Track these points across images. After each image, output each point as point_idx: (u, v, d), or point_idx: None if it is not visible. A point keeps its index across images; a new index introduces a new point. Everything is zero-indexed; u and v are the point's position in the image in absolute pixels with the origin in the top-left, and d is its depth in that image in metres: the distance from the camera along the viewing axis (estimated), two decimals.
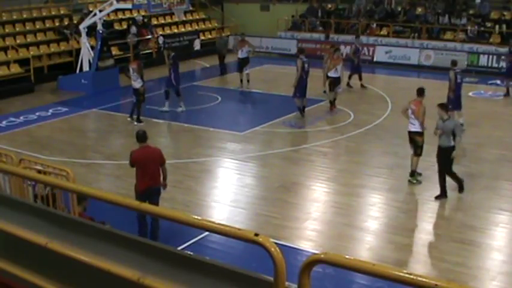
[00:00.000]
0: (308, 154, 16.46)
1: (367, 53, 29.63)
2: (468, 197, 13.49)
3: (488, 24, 29.21)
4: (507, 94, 22.52)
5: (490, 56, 27.08)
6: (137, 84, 19.32)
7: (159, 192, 11.14)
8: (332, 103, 20.57)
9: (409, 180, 14.16)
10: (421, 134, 13.99)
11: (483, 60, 27.13)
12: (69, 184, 5.95)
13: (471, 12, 30.22)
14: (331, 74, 20.56)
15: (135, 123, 19.22)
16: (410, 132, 14.06)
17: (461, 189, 13.46)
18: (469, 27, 29.04)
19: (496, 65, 26.81)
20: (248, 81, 24.48)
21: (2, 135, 18.35)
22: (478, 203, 13.01)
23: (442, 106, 13.12)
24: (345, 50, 30.03)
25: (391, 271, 2.89)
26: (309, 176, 14.96)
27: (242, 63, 24.50)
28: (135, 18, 30.02)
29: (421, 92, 14.18)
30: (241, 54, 24.51)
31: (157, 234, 10.81)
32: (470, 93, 22.79)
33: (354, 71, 23.99)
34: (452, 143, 12.89)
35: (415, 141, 14.02)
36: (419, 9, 31.55)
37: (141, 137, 11.15)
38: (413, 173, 14.15)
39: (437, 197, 13.17)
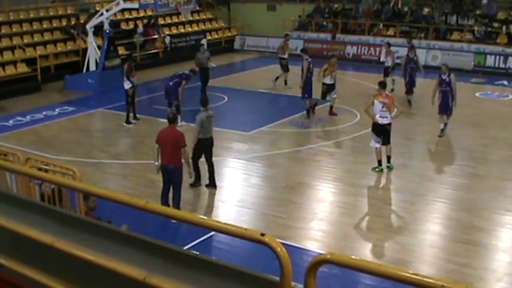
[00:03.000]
0: (314, 154, 16.46)
1: (373, 53, 29.65)
2: (474, 197, 13.47)
3: (495, 25, 29.12)
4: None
5: (497, 57, 27.00)
6: (126, 85, 19.33)
7: (176, 172, 12.12)
8: (312, 108, 19.95)
9: (388, 167, 14.94)
10: (390, 124, 14.89)
11: (490, 60, 27.06)
12: (76, 183, 5.96)
13: (478, 12, 30.13)
14: (326, 80, 19.69)
15: (124, 124, 19.27)
16: (383, 125, 14.71)
17: (193, 184, 13.80)
18: (476, 28, 28.97)
19: (503, 66, 26.75)
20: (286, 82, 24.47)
21: (9, 134, 18.41)
22: (484, 204, 12.97)
23: (203, 102, 14.12)
24: (351, 50, 30.10)
25: (397, 272, 2.89)
26: (315, 176, 14.96)
27: (287, 64, 24.45)
28: (137, 29, 29.90)
29: (384, 85, 15.31)
30: (287, 55, 24.60)
31: (179, 206, 12.18)
32: (476, 94, 22.75)
33: (408, 85, 21.52)
34: (201, 136, 13.63)
35: (388, 131, 14.84)
36: (426, 10, 31.48)
37: (169, 118, 12.47)
38: (389, 159, 15.03)
39: (192, 184, 13.77)
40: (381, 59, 23.99)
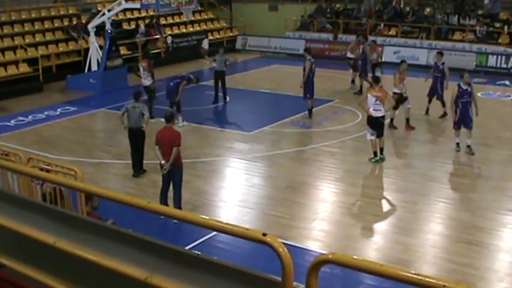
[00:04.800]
0: (316, 154, 16.45)
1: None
2: (476, 197, 13.46)
3: (497, 25, 29.10)
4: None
5: (499, 57, 26.99)
6: (147, 81, 19.60)
7: (176, 171, 12.21)
8: (407, 121, 18.39)
9: (381, 158, 15.44)
10: (384, 117, 15.57)
11: (492, 60, 27.04)
12: (77, 183, 5.96)
13: (480, 12, 30.13)
14: (397, 89, 18.13)
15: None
16: (378, 118, 15.25)
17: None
18: (477, 28, 28.95)
19: (505, 66, 26.73)
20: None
21: (11, 134, 18.42)
22: (486, 204, 12.97)
23: (135, 94, 15.21)
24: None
25: (398, 272, 2.89)
26: (316, 176, 14.95)
27: (354, 64, 23.98)
28: (139, 29, 29.87)
29: (377, 79, 16.02)
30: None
31: (180, 205, 12.27)
32: (478, 94, 22.64)
33: (435, 94, 19.85)
34: (142, 125, 14.66)
35: (382, 124, 15.51)
36: (427, 10, 31.47)
37: (166, 117, 12.57)
38: (382, 151, 15.56)
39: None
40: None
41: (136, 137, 14.69)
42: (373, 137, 15.39)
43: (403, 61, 19.46)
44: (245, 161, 15.96)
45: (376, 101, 15.16)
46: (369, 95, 15.38)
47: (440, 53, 20.73)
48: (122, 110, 14.92)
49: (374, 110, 15.19)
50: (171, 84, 18.79)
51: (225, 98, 22.29)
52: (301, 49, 26.17)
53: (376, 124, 15.30)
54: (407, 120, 18.37)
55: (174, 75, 19.43)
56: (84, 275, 4.19)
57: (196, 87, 23.09)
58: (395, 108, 17.95)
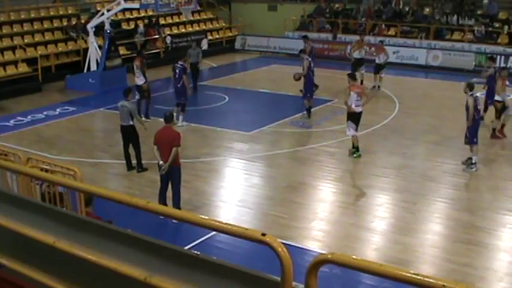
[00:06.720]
0: (315, 154, 16.45)
1: (374, 53, 29.62)
2: (476, 197, 13.47)
3: (496, 25, 29.10)
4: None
5: (498, 57, 26.94)
6: (140, 81, 19.55)
7: (175, 171, 12.20)
8: (500, 129, 17.40)
9: (358, 155, 15.85)
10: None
11: None
12: (77, 183, 5.96)
13: (479, 12, 30.13)
14: (501, 97, 17.26)
15: (144, 118, 19.33)
16: (360, 113, 15.76)
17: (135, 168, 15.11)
18: (476, 28, 28.95)
19: (504, 66, 26.66)
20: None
21: (10, 134, 18.41)
22: (485, 204, 12.98)
23: (124, 92, 15.25)
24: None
25: (398, 271, 2.88)
26: (316, 176, 14.95)
27: (357, 64, 23.80)
28: (138, 29, 29.88)
29: (355, 76, 16.77)
30: (357, 55, 24.12)
31: (179, 205, 12.29)
32: (478, 94, 22.68)
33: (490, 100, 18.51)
34: (131, 123, 15.00)
35: (360, 119, 15.87)
36: (427, 10, 31.47)
37: (166, 117, 12.55)
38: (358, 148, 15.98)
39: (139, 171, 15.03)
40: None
41: (126, 134, 15.06)
42: (356, 133, 15.85)
43: (503, 68, 18.10)
44: (244, 161, 15.97)
45: (357, 96, 15.67)
46: (352, 92, 15.69)
47: (493, 59, 20.03)
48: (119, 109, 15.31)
49: (356, 106, 15.68)
50: (178, 86, 18.82)
51: (195, 89, 23.42)
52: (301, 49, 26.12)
53: (358, 119, 15.82)
54: (503, 126, 17.39)
55: (174, 75, 19.25)
56: (84, 275, 4.19)
57: (195, 87, 23.14)
58: (498, 117, 17.30)
